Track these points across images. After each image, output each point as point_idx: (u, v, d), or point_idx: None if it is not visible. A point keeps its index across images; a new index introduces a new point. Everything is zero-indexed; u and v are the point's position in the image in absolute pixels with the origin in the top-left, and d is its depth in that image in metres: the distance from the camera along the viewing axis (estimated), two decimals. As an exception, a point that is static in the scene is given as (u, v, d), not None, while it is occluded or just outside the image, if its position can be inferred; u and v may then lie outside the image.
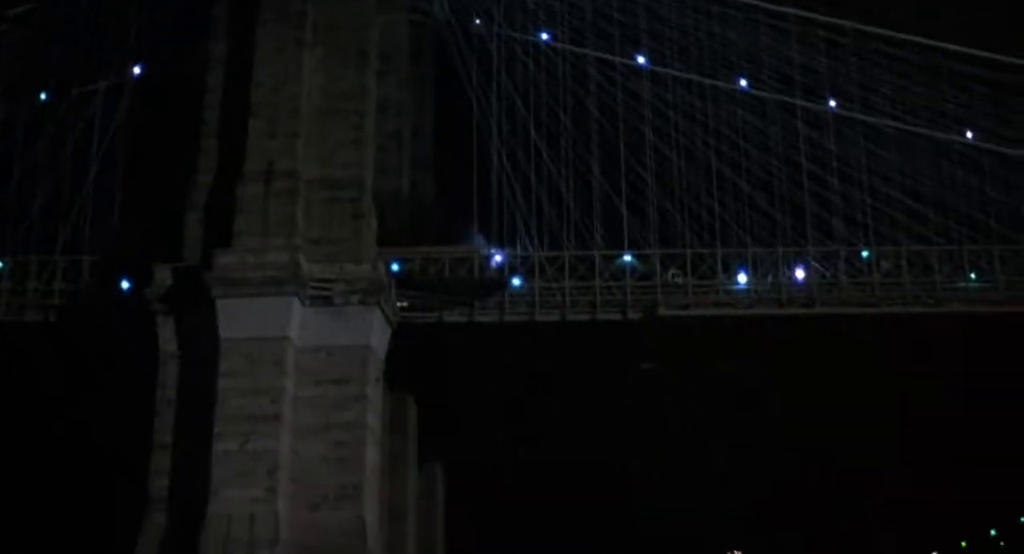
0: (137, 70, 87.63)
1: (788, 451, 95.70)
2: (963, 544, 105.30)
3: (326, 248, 79.69)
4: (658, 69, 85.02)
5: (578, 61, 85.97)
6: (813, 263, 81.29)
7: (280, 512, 77.26)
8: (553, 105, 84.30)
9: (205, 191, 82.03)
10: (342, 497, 79.46)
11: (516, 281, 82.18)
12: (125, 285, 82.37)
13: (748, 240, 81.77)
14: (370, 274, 78.89)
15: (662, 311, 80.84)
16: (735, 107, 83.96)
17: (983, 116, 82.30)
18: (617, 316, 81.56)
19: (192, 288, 77.19)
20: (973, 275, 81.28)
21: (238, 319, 76.37)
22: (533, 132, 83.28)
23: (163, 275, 79.08)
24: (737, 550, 55.84)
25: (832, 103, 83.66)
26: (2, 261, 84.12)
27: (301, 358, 78.60)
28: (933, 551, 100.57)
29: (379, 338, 79.86)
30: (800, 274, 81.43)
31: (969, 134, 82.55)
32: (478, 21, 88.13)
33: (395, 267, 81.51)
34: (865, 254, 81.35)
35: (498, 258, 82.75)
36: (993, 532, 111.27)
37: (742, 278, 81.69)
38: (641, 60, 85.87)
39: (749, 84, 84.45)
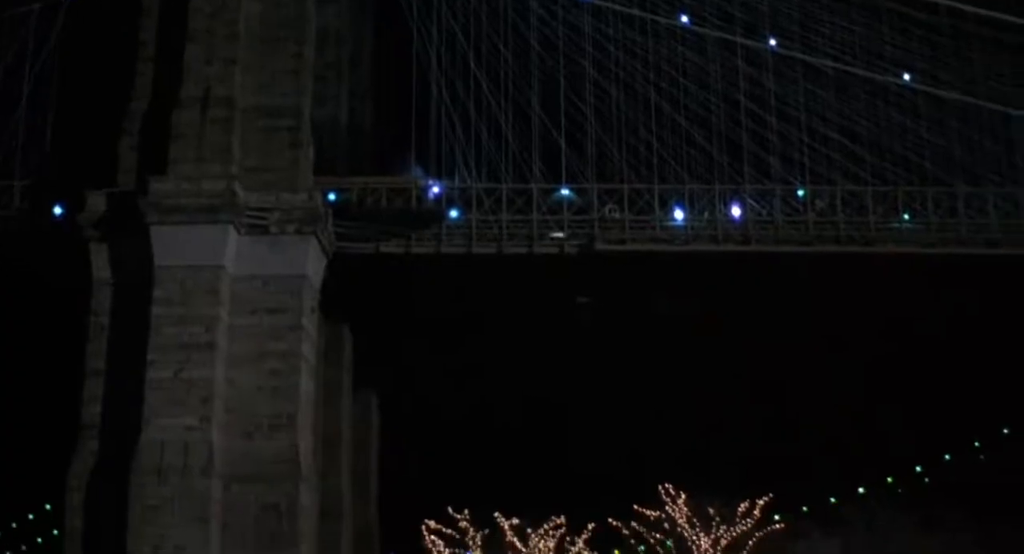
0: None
1: (725, 386, 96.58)
2: (889, 480, 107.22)
3: (262, 177, 79.09)
4: (599, 3, 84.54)
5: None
6: (749, 201, 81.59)
7: (214, 440, 77.28)
8: (493, 37, 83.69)
9: (140, 116, 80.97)
10: (276, 426, 79.52)
11: (453, 213, 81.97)
12: (57, 211, 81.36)
13: (685, 176, 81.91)
14: (306, 204, 78.46)
15: (599, 246, 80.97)
16: (676, 43, 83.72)
17: (920, 58, 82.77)
18: (554, 250, 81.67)
19: (126, 215, 76.48)
20: (906, 216, 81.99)
21: (172, 247, 75.85)
22: (473, 63, 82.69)
23: (96, 201, 78.25)
24: (669, 483, 56.68)
25: (772, 42, 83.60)
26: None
27: (236, 287, 78.27)
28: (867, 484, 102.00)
29: (315, 268, 79.59)
30: (736, 212, 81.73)
31: (906, 76, 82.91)
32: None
33: (332, 197, 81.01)
34: (801, 193, 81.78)
35: (436, 189, 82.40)
36: (918, 469, 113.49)
37: (679, 214, 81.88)
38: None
39: (690, 20, 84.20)
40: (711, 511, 60.27)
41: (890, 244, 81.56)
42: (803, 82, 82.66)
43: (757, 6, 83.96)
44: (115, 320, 77.84)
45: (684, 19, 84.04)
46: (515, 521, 61.34)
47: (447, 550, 62.78)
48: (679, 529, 60.30)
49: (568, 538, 62.06)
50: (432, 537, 62.24)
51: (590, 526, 62.20)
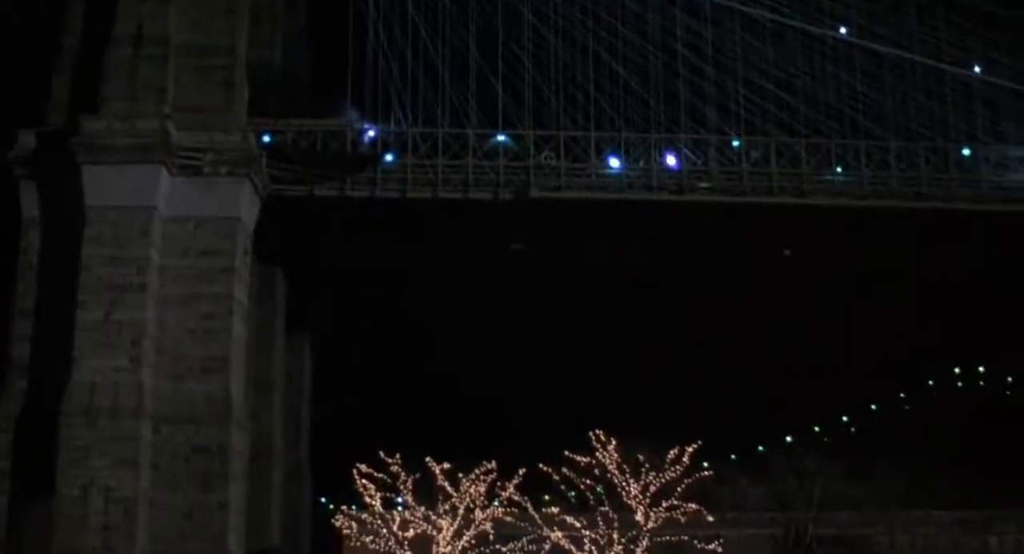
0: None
1: (657, 334, 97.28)
2: (816, 428, 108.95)
3: (196, 117, 78.22)
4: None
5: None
6: (685, 151, 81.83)
7: (144, 382, 76.97)
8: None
9: (72, 54, 79.75)
10: (208, 369, 79.29)
11: (389, 157, 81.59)
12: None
13: (622, 125, 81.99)
14: (240, 145, 77.81)
15: (534, 192, 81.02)
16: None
17: (857, 12, 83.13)
18: (489, 196, 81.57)
19: (57, 153, 75.49)
20: (839, 169, 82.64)
21: (104, 186, 75.06)
22: (410, 7, 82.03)
23: (27, 139, 77.16)
24: (599, 430, 57.32)
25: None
26: None
27: (168, 228, 77.69)
28: (788, 435, 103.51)
29: (248, 210, 79.08)
30: (672, 161, 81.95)
31: (842, 30, 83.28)
32: None
33: (266, 139, 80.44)
34: (736, 144, 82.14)
35: (371, 133, 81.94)
36: (845, 418, 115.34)
37: (615, 163, 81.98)
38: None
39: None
40: (640, 458, 60.89)
41: (823, 196, 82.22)
42: (740, 33, 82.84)
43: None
44: (45, 260, 77.02)
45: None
46: (446, 465, 61.69)
47: (378, 494, 63.03)
48: (609, 475, 60.86)
49: (499, 483, 62.50)
50: (363, 481, 62.41)
51: (521, 471, 62.69)
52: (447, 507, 61.07)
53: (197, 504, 79.87)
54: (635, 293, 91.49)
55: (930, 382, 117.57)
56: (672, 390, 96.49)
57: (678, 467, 59.58)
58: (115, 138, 75.60)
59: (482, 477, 61.11)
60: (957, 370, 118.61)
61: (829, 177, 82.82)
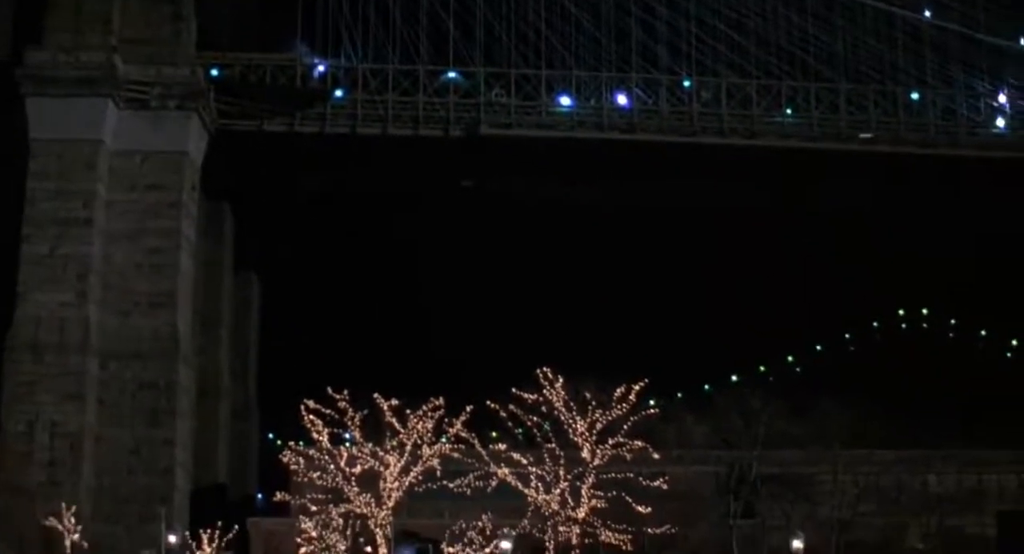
0: None
1: (605, 272, 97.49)
2: (762, 368, 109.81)
3: (143, 50, 77.39)
4: None
5: None
6: (636, 90, 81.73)
7: (91, 317, 76.61)
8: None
9: (15, -18, 78.54)
10: (155, 304, 78.98)
11: (338, 93, 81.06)
12: (-72, 79, 78.77)
13: (573, 63, 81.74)
14: (188, 79, 77.09)
15: (484, 130, 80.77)
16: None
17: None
18: (439, 132, 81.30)
19: (0, 85, 74.44)
20: (789, 111, 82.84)
21: (49, 119, 74.30)
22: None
23: (-34, 70, 76.03)
24: (546, 367, 57.49)
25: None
26: None
27: (115, 162, 77.08)
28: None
29: (196, 144, 78.53)
30: (623, 100, 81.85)
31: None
32: None
33: (215, 73, 79.71)
34: (687, 84, 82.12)
35: (321, 68, 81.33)
36: (790, 358, 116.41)
37: (565, 101, 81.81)
38: None
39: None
40: (587, 395, 61.13)
41: (772, 137, 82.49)
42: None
43: None
44: (-12, 193, 76.21)
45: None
46: (394, 402, 61.66)
47: (325, 430, 63.07)
48: (556, 412, 61.07)
49: (446, 420, 62.59)
50: (311, 417, 62.39)
51: (468, 408, 62.84)
52: (394, 443, 61.04)
53: (144, 439, 79.83)
54: (584, 230, 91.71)
55: (875, 324, 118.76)
56: (620, 328, 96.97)
57: (624, 405, 59.80)
58: (60, 70, 74.68)
59: (429, 414, 61.08)
60: (901, 312, 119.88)
61: (779, 119, 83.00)
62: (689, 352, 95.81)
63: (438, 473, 61.27)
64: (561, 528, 58.74)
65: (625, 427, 58.86)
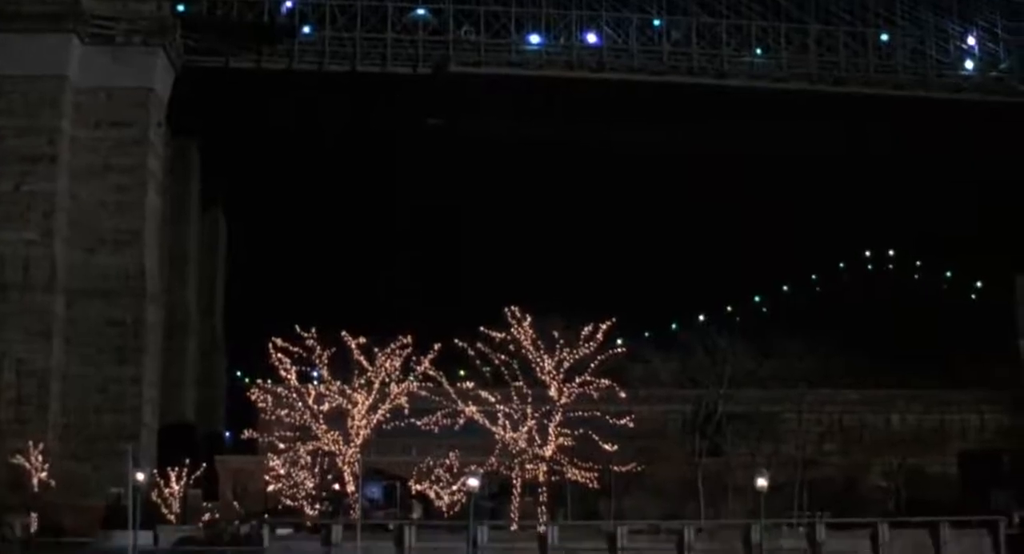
0: None
1: (572, 212, 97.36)
2: (728, 308, 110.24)
3: (109, -16, 76.58)
4: None
5: None
6: (606, 29, 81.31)
7: (57, 255, 76.26)
8: None
9: (-24, -86, 77.25)
10: (121, 242, 78.62)
11: (306, 29, 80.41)
12: None
13: (543, 1, 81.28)
14: (154, 14, 76.38)
15: (453, 67, 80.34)
16: None
17: None
18: (407, 70, 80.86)
19: (-36, 21, 73.60)
20: (759, 51, 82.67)
21: (12, 55, 73.41)
22: None
23: (-71, 5, 74.98)
24: (515, 305, 57.45)
25: None
26: None
27: (80, 99, 76.38)
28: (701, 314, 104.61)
29: (162, 81, 77.84)
30: (592, 39, 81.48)
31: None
32: None
33: (181, 8, 78.90)
34: (657, 23, 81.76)
35: (288, 4, 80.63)
36: (757, 298, 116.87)
37: (535, 39, 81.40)
38: None
39: None
40: (555, 334, 61.21)
41: (742, 77, 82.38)
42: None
43: None
44: (-48, 131, 75.51)
45: None
46: (362, 340, 61.60)
47: (293, 368, 63.04)
48: (523, 351, 61.13)
49: (414, 358, 62.58)
50: (279, 355, 62.34)
51: (436, 346, 62.80)
52: (362, 381, 61.07)
53: (111, 377, 79.74)
54: (553, 170, 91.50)
55: (841, 265, 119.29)
56: (588, 267, 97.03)
57: (592, 344, 59.90)
58: (24, 5, 73.90)
59: (397, 352, 61.08)
60: (868, 254, 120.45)
61: (748, 59, 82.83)
62: (656, 292, 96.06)
63: (406, 411, 61.39)
64: (528, 466, 59.01)
65: (592, 366, 58.99)
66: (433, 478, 63.32)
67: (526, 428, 58.99)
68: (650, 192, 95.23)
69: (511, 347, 59.60)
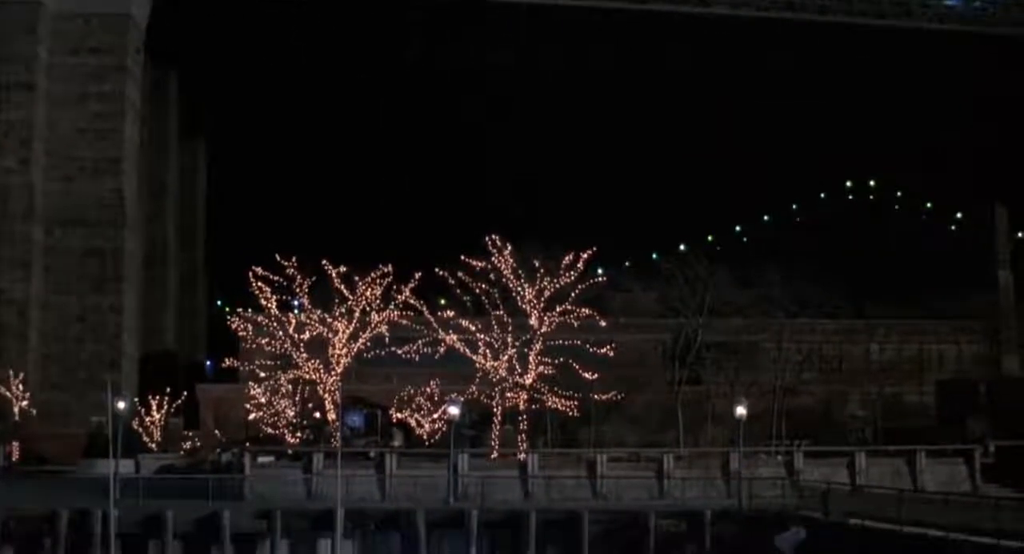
0: None
1: (551, 138, 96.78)
2: (709, 237, 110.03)
3: (85, -95, 75.65)
4: None
5: None
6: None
7: (35, 184, 75.92)
8: None
9: None
10: (100, 170, 78.22)
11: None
12: None
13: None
14: (131, -62, 75.56)
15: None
16: None
17: None
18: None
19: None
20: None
21: (-15, -19, 72.81)
22: None
23: (-101, -74, 73.95)
24: (495, 234, 57.14)
25: None
26: None
27: (57, 25, 75.75)
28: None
29: (140, 6, 77.18)
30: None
31: None
32: None
33: (159, -68, 78.01)
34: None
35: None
36: (737, 227, 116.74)
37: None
38: None
39: None
40: (535, 263, 61.03)
41: (724, 6, 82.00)
42: None
43: None
44: (-74, 58, 74.81)
45: None
46: (342, 269, 61.30)
47: (274, 296, 62.78)
48: (504, 280, 60.93)
49: (395, 286, 62.34)
50: (259, 283, 62.03)
51: (416, 275, 62.60)
52: (343, 310, 60.98)
53: (91, 307, 79.70)
54: (533, 97, 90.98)
55: (822, 195, 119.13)
56: (568, 195, 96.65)
57: (572, 273, 59.77)
58: (-3, -71, 72.91)
59: (378, 280, 60.87)
60: (848, 184, 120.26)
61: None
62: (637, 221, 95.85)
63: (386, 339, 61.34)
64: (509, 394, 59.14)
65: (573, 295, 58.92)
66: (414, 406, 63.55)
67: (507, 357, 59.02)
68: (632, 118, 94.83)
69: (492, 276, 59.43)
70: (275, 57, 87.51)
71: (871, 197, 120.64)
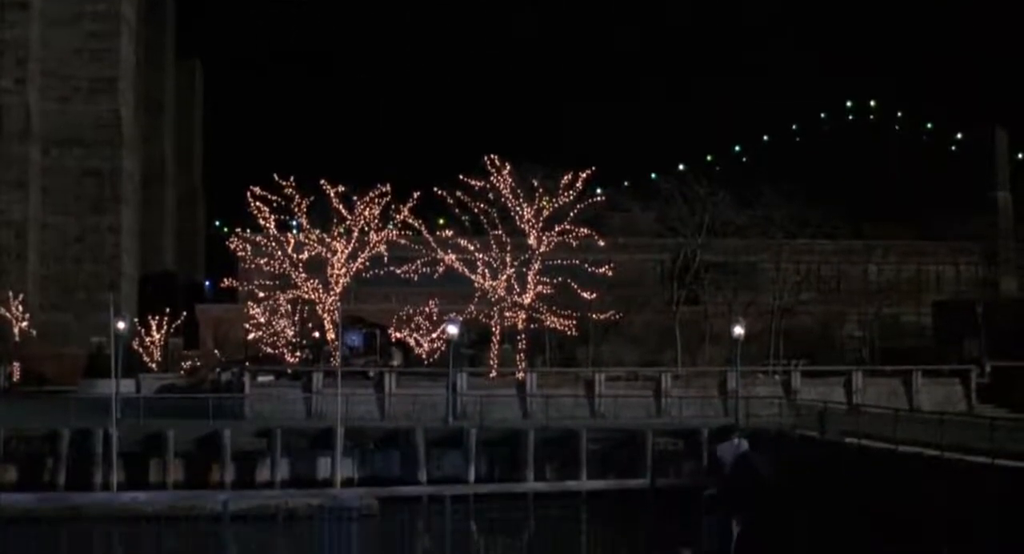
0: None
1: (548, 51, 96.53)
2: (708, 157, 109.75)
3: None
4: None
5: None
6: None
7: (31, 104, 75.58)
8: None
9: None
10: (96, 90, 77.88)
11: None
12: None
13: None
14: None
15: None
16: None
17: None
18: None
19: None
20: None
21: None
22: None
23: None
24: (494, 154, 56.70)
25: None
26: None
27: (50, -58, 75.04)
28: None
29: (134, -77, 76.29)
30: None
31: None
32: None
33: None
34: None
35: None
36: (737, 148, 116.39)
37: None
38: None
39: None
40: (535, 182, 60.63)
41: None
42: None
43: None
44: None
45: None
46: (341, 188, 60.94)
47: (272, 216, 62.46)
48: (503, 199, 60.60)
49: (393, 206, 62.03)
50: (257, 203, 61.67)
51: (415, 195, 62.26)
52: (341, 229, 60.68)
53: (89, 227, 79.67)
54: (531, 17, 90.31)
55: (822, 115, 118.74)
56: (567, 115, 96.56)
57: (571, 192, 59.41)
58: None
59: (376, 200, 60.51)
60: (849, 104, 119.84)
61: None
62: (637, 141, 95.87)
63: (385, 259, 61.18)
64: (507, 314, 59.12)
65: (571, 214, 58.68)
66: (413, 326, 63.63)
67: (505, 276, 58.92)
68: (629, 37, 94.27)
69: (490, 195, 59.15)
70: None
71: (871, 118, 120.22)
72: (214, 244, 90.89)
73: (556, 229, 58.90)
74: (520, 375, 56.17)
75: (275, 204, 60.53)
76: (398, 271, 62.08)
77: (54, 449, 45.10)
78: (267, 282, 63.01)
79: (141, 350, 72.12)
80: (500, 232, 59.08)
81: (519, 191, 59.50)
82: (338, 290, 60.12)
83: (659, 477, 47.14)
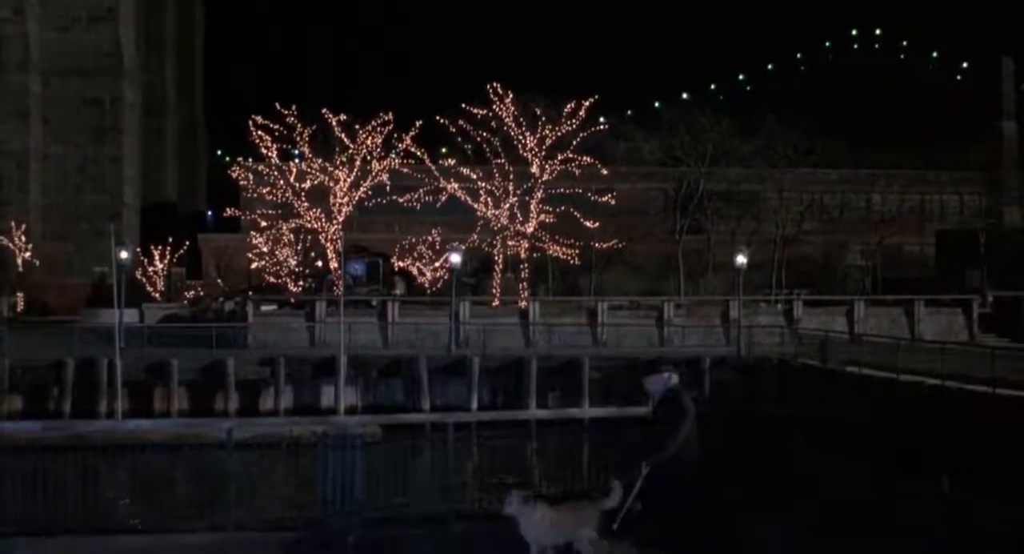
0: None
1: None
2: (712, 86, 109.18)
3: None
4: None
5: None
6: None
7: (30, 33, 75.12)
8: None
9: None
10: (96, 19, 77.33)
11: None
12: None
13: None
14: None
15: None
16: None
17: None
18: None
19: None
20: None
21: None
22: None
23: None
24: (496, 81, 56.35)
25: None
26: None
27: None
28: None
29: None
30: None
31: None
32: None
33: None
34: None
35: None
36: (741, 76, 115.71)
37: None
38: None
39: None
40: (537, 111, 60.37)
41: None
42: None
43: None
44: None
45: None
46: (343, 117, 60.73)
47: (274, 145, 62.30)
48: (505, 128, 60.37)
49: (396, 134, 61.89)
50: (259, 133, 61.48)
51: (418, 123, 62.08)
52: (344, 158, 60.56)
53: (91, 157, 79.47)
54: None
55: (827, 43, 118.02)
56: (571, 41, 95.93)
57: (574, 121, 59.20)
58: None
59: (378, 128, 60.35)
60: (854, 32, 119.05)
61: None
62: (639, 69, 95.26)
63: (388, 188, 61.17)
64: (510, 242, 59.21)
65: (574, 143, 58.55)
66: (416, 255, 63.74)
67: (508, 205, 58.92)
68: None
69: (493, 124, 59.01)
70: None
71: (876, 46, 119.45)
72: (216, 174, 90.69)
73: (559, 158, 58.81)
74: (523, 304, 56.30)
75: (277, 133, 60.45)
76: (401, 200, 62.10)
77: (59, 378, 45.30)
78: (269, 211, 63.08)
79: (144, 280, 72.21)
80: (503, 160, 59.02)
81: (522, 119, 59.35)
82: (340, 219, 60.16)
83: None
